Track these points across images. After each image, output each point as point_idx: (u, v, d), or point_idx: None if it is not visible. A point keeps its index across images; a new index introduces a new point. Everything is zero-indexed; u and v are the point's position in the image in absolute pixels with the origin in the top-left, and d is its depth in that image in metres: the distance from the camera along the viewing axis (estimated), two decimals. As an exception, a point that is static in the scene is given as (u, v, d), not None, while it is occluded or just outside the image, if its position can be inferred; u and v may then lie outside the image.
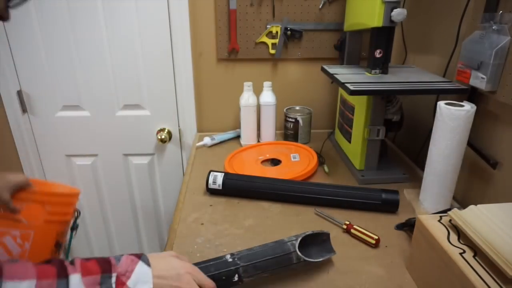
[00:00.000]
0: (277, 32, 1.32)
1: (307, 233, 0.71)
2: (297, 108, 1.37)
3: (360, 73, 1.07)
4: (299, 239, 0.69)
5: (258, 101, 1.28)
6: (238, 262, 0.65)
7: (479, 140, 0.90)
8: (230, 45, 1.33)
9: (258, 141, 1.33)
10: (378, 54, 0.99)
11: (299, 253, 0.67)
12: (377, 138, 1.02)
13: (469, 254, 0.58)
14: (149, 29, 1.31)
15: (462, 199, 0.95)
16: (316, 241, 0.73)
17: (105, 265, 0.52)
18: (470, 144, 0.89)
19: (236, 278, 0.64)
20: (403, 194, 0.98)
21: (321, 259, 0.70)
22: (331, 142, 1.34)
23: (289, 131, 1.32)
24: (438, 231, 0.64)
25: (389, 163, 1.12)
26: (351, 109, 1.10)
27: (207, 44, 1.35)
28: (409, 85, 0.95)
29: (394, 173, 1.06)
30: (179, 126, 1.46)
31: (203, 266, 0.64)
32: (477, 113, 0.80)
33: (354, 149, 1.10)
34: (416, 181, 1.03)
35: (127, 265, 0.53)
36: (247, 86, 1.26)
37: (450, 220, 0.65)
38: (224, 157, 1.18)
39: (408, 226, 0.82)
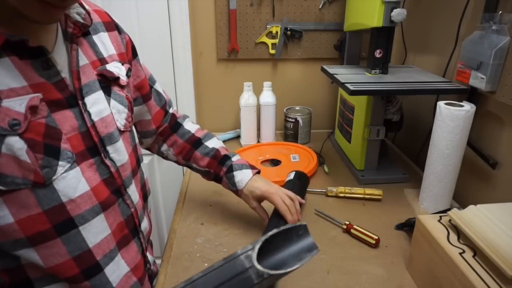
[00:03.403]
0: (277, 32, 1.32)
1: (268, 235, 0.52)
2: (297, 108, 1.37)
3: (360, 73, 1.07)
4: (256, 247, 0.49)
5: (258, 101, 1.28)
6: None
7: (479, 140, 0.90)
8: (230, 45, 1.33)
9: (258, 141, 1.33)
10: (378, 54, 0.99)
11: (259, 267, 0.47)
12: (377, 138, 1.02)
13: (468, 254, 0.58)
14: (149, 29, 1.31)
15: (462, 199, 0.95)
16: (290, 239, 0.54)
17: None
18: (470, 144, 0.89)
19: None
20: (403, 194, 0.98)
21: (296, 267, 0.48)
22: (331, 142, 1.34)
23: (289, 131, 1.32)
24: (438, 231, 0.64)
25: (389, 163, 1.12)
26: (351, 109, 1.10)
27: (207, 44, 1.35)
28: (409, 85, 0.95)
29: (394, 173, 1.06)
30: (179, 126, 1.46)
31: None
32: (476, 113, 0.80)
33: (354, 149, 1.10)
34: (416, 181, 1.03)
35: None
36: (247, 86, 1.26)
37: (450, 220, 0.65)
38: (224, 157, 1.18)
39: (408, 226, 0.82)
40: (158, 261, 0.76)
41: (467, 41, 0.87)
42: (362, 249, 0.79)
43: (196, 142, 0.85)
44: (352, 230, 0.82)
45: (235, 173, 0.81)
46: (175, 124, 0.86)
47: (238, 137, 1.38)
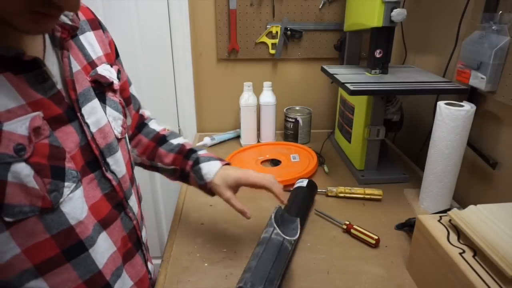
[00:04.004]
0: (277, 32, 1.32)
1: (273, 216, 0.68)
2: (297, 108, 1.37)
3: (360, 73, 1.07)
4: (274, 224, 0.66)
5: (258, 101, 1.28)
6: None
7: (479, 140, 0.90)
8: (230, 45, 1.33)
9: (258, 141, 1.33)
10: (378, 54, 0.99)
11: (287, 237, 0.65)
12: (377, 138, 1.02)
13: (468, 254, 0.58)
14: (149, 29, 1.31)
15: (462, 199, 0.95)
16: (277, 220, 0.70)
17: None
18: (470, 144, 0.89)
19: None
20: (403, 194, 0.98)
21: (299, 228, 0.69)
22: (331, 142, 1.34)
23: (289, 131, 1.32)
24: (438, 231, 0.64)
25: (389, 163, 1.12)
26: (351, 109, 1.10)
27: (207, 44, 1.35)
28: (409, 85, 0.95)
29: (394, 173, 1.06)
30: (179, 126, 1.46)
31: None
32: (477, 113, 0.80)
33: (354, 149, 1.10)
34: (416, 181, 1.03)
35: None
36: (247, 86, 1.26)
37: (450, 220, 0.65)
38: (224, 157, 1.17)
39: (408, 226, 0.82)
40: (157, 262, 0.76)
41: (467, 41, 0.87)
42: (362, 249, 0.79)
43: (160, 139, 0.79)
44: (352, 230, 0.82)
45: (201, 165, 0.73)
46: (140, 125, 0.81)
47: (238, 137, 1.38)
